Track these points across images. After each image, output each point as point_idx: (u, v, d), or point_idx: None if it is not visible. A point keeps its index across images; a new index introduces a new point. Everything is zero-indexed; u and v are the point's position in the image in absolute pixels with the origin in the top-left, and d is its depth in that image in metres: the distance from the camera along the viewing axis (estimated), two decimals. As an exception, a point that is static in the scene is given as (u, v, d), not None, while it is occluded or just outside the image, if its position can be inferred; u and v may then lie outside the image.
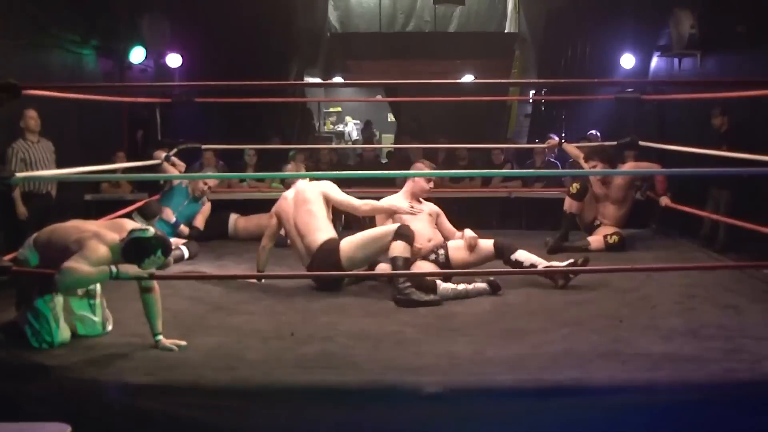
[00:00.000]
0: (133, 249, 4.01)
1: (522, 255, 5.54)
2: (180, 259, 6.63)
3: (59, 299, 4.13)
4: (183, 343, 4.07)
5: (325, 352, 3.97)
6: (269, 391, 3.54)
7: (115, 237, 4.10)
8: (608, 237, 6.78)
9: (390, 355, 3.95)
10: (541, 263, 5.52)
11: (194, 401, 3.49)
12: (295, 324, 4.51)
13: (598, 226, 7.11)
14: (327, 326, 4.49)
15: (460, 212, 9.34)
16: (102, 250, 4.01)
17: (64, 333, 4.10)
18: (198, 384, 3.55)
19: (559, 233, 6.97)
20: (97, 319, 4.29)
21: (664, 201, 7.10)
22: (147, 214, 6.51)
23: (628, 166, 6.97)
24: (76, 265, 3.90)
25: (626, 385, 3.54)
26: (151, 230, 4.09)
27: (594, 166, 6.99)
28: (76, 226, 4.24)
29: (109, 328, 4.35)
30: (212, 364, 3.80)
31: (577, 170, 7.62)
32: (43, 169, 6.91)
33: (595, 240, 6.83)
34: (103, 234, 4.13)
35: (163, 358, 3.87)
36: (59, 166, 6.95)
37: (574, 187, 7.00)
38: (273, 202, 7.83)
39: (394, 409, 3.49)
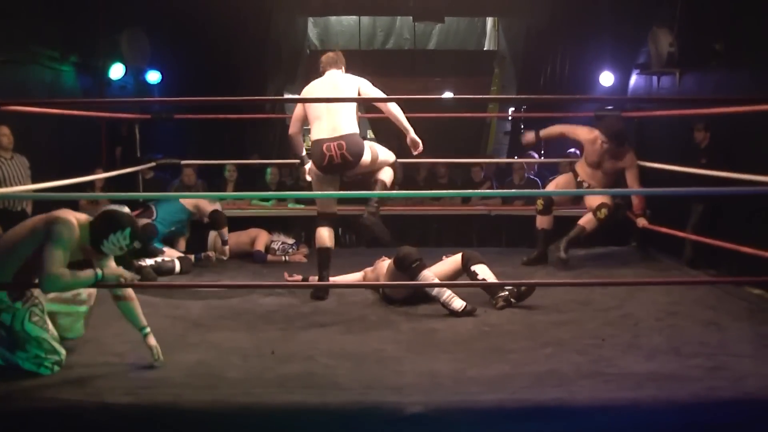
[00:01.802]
0: (103, 223, 3.89)
1: (480, 269, 5.46)
2: (170, 272, 6.57)
3: (38, 309, 3.91)
4: (161, 358, 4.00)
5: (306, 371, 3.94)
6: (250, 411, 3.48)
7: (83, 216, 3.96)
8: (597, 212, 6.72)
9: (371, 374, 3.93)
10: (493, 280, 5.43)
11: (174, 421, 3.44)
12: (275, 341, 4.48)
13: (587, 186, 7.00)
14: (308, 344, 4.46)
15: (440, 230, 9.43)
16: (71, 226, 3.81)
17: (59, 345, 3.93)
18: (178, 404, 3.50)
19: (536, 253, 6.98)
20: (78, 325, 4.22)
21: (641, 222, 7.05)
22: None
23: (630, 157, 6.84)
24: (59, 269, 3.69)
25: (609, 404, 3.53)
26: (126, 209, 3.99)
27: (603, 143, 6.84)
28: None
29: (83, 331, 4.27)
30: (192, 383, 3.75)
31: (556, 190, 7.51)
32: (17, 186, 6.73)
33: (586, 220, 6.74)
34: (68, 211, 3.95)
35: (142, 378, 3.82)
36: (36, 183, 6.84)
37: (539, 204, 7.03)
38: (253, 219, 7.90)
39: (375, 430, 3.45)
